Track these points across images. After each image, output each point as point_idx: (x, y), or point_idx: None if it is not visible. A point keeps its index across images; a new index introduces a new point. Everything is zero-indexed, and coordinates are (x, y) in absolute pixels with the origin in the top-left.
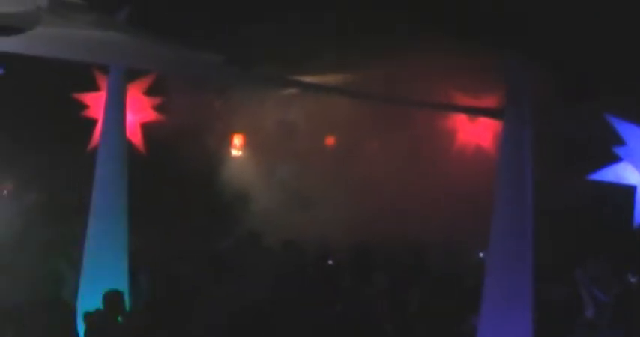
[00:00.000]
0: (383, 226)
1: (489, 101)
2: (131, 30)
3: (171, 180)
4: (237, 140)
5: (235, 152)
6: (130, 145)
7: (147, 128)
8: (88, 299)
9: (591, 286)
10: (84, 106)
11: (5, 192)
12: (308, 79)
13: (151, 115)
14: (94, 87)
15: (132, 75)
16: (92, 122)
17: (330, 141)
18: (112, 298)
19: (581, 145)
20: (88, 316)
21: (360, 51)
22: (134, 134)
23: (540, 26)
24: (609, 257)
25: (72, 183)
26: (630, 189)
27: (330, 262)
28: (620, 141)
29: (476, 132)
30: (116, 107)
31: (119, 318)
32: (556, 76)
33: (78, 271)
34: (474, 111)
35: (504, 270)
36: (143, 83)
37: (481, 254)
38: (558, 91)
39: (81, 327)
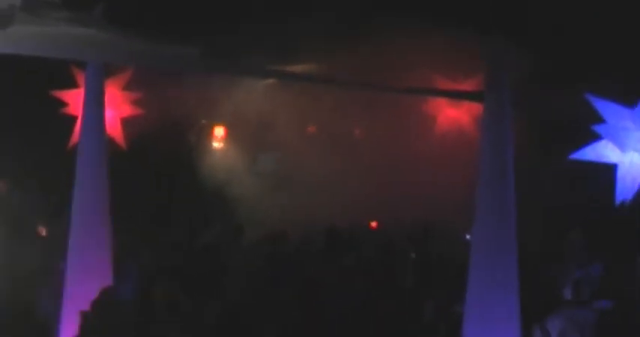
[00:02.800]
0: (368, 210)
1: (470, 84)
2: (106, 26)
3: (152, 175)
4: (219, 132)
5: (217, 144)
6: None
7: (127, 123)
8: (74, 299)
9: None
10: (63, 104)
11: None
12: (286, 68)
13: (130, 110)
14: (73, 84)
15: (109, 70)
16: (69, 120)
17: (312, 129)
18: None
19: (561, 125)
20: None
21: (338, 38)
22: (114, 129)
23: (521, 10)
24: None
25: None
26: (611, 167)
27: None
28: (600, 120)
29: (457, 116)
30: (95, 103)
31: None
32: (536, 59)
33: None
34: (454, 95)
35: (489, 252)
36: (121, 78)
37: (467, 237)
38: (538, 74)
39: None
